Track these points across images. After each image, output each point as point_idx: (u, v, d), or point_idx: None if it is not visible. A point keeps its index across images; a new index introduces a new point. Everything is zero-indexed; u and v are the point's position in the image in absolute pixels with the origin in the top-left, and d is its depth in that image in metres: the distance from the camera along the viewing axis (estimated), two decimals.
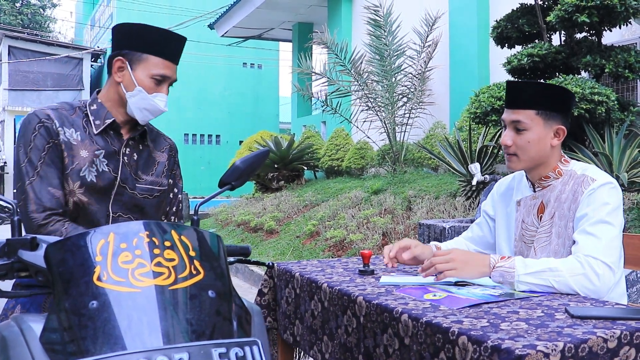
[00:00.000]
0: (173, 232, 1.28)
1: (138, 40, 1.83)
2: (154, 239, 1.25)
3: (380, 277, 1.97)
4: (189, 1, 23.68)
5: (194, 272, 1.23)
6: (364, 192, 8.26)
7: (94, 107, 1.88)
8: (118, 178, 1.86)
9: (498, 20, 6.05)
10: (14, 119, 24.48)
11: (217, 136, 24.88)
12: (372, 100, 9.29)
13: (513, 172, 2.09)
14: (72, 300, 1.15)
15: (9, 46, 24.72)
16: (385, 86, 9.24)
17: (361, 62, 9.30)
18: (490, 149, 6.18)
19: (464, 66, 8.93)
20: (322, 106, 10.25)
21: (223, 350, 1.13)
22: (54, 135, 1.78)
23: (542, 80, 5.71)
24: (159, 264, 1.21)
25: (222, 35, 16.27)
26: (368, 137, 9.84)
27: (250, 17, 14.43)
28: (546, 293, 1.65)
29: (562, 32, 5.56)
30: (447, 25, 9.27)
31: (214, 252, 1.35)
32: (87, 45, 29.22)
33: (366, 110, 9.39)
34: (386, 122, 9.27)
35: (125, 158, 1.90)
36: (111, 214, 1.86)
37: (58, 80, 25.56)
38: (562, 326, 1.28)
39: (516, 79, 1.85)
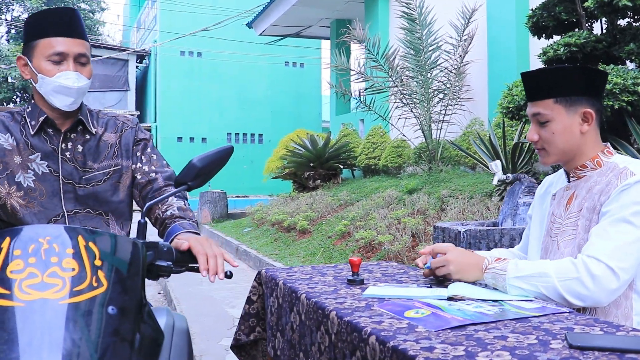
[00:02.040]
0: (80, 237, 1.11)
1: (28, 31, 1.76)
2: (54, 245, 1.08)
3: (368, 287, 1.75)
4: (231, 1, 23.72)
5: (95, 285, 1.06)
6: (398, 192, 7.98)
7: (30, 109, 1.81)
8: (60, 176, 1.77)
9: (534, 9, 5.69)
10: None
11: (260, 135, 24.95)
12: (407, 96, 9.00)
13: (547, 169, 1.92)
14: None
15: None
16: (420, 82, 8.93)
17: (394, 58, 9.01)
18: (526, 146, 5.81)
19: (503, 60, 8.52)
20: (357, 103, 10.03)
21: None
22: None
23: None
24: (53, 275, 1.04)
25: (260, 34, 16.20)
26: (404, 135, 9.56)
27: (287, 15, 14.30)
28: (551, 313, 1.39)
29: (604, 18, 5.16)
30: (485, 17, 8.88)
31: (129, 261, 1.17)
32: (134, 47, 29.72)
33: (401, 107, 9.11)
34: (422, 119, 8.97)
35: (67, 153, 1.80)
36: (66, 213, 1.77)
37: (105, 82, 26.06)
38: (553, 359, 1.03)
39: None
